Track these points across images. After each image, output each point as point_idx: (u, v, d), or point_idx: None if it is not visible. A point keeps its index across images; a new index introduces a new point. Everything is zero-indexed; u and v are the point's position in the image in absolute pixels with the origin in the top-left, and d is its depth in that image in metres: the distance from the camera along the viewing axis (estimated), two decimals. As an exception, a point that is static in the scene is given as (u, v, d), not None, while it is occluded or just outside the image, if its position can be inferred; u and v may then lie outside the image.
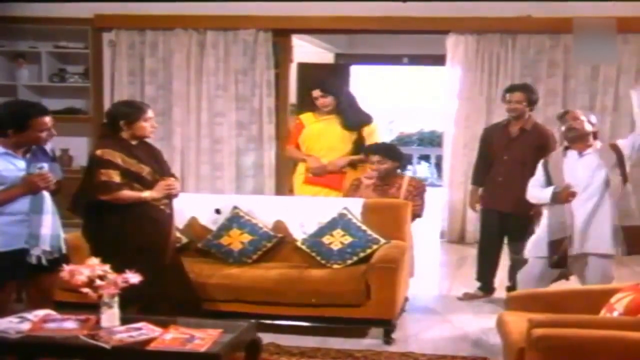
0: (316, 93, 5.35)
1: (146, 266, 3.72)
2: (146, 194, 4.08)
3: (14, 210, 3.65)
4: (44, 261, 3.68)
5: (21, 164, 3.69)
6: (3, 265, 3.65)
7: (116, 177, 4.01)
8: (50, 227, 3.72)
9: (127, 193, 4.04)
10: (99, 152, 4.05)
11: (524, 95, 5.26)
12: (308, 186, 5.42)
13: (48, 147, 3.86)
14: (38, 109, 3.75)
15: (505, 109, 5.38)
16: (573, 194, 4.44)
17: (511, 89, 5.41)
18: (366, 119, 5.43)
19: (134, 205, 4.07)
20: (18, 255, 3.66)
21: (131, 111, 4.16)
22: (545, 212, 4.70)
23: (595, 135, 4.61)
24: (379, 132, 5.53)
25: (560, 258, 4.51)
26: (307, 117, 5.60)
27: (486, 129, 5.73)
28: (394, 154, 5.22)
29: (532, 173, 4.82)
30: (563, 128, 4.62)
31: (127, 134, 4.12)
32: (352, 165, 5.40)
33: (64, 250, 3.83)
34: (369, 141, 5.35)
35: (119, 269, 3.44)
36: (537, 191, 4.66)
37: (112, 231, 4.06)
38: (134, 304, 3.80)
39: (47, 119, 3.71)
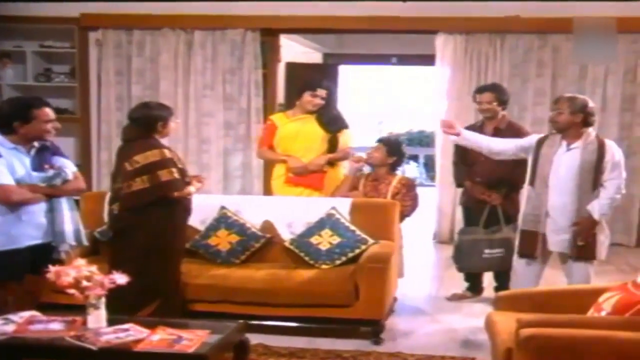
0: (322, 92, 5.25)
1: (177, 259, 4.14)
2: (192, 189, 4.25)
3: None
4: (72, 255, 3.88)
5: (27, 161, 3.81)
6: (31, 258, 3.79)
7: (177, 175, 4.12)
8: (71, 222, 3.90)
9: (189, 189, 4.20)
10: (164, 152, 4.11)
11: (493, 95, 5.22)
12: (290, 187, 5.33)
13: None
14: (39, 100, 3.95)
15: (477, 109, 5.39)
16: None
17: (480, 90, 5.38)
18: (344, 124, 5.39)
19: (180, 199, 4.18)
20: (41, 250, 3.82)
21: (166, 113, 4.24)
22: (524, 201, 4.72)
23: (586, 122, 4.43)
24: (352, 137, 5.49)
25: (526, 248, 4.53)
26: (279, 118, 5.52)
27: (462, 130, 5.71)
28: (392, 148, 5.21)
29: (510, 172, 4.81)
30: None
31: (161, 134, 4.20)
32: (331, 163, 5.36)
33: (85, 243, 4.06)
34: (341, 143, 5.32)
35: (156, 265, 3.96)
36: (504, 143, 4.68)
37: (159, 226, 4.10)
38: (152, 302, 4.01)
39: (49, 110, 3.87)
